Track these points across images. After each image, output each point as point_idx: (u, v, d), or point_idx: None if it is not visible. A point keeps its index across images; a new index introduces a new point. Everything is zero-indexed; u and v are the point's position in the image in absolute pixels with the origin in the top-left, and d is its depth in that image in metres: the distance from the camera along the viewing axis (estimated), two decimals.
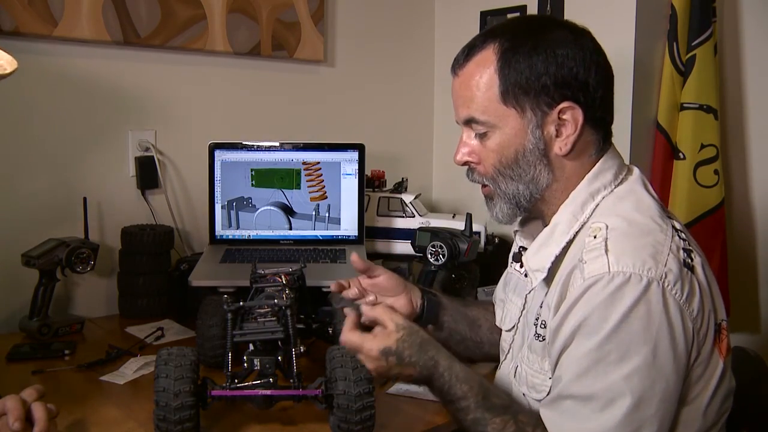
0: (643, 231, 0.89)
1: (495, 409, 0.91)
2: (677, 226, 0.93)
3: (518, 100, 0.93)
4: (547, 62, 0.91)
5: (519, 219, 1.07)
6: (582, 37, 0.95)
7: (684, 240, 0.91)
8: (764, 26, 1.92)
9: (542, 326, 0.96)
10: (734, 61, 1.96)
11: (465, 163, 1.01)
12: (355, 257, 1.13)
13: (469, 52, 0.97)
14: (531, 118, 0.93)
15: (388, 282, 1.15)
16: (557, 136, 0.94)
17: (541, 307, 0.98)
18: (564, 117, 0.93)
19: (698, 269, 0.89)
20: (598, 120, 0.96)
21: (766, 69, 1.92)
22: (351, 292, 1.11)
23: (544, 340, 0.94)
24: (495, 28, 0.98)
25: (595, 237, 0.89)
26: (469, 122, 0.98)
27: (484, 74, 0.94)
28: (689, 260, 0.88)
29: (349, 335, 0.96)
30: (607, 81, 0.96)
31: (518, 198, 0.98)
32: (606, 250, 0.86)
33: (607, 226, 0.89)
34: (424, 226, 1.74)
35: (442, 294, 1.24)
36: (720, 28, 1.93)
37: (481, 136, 0.97)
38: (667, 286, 0.83)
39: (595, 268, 0.85)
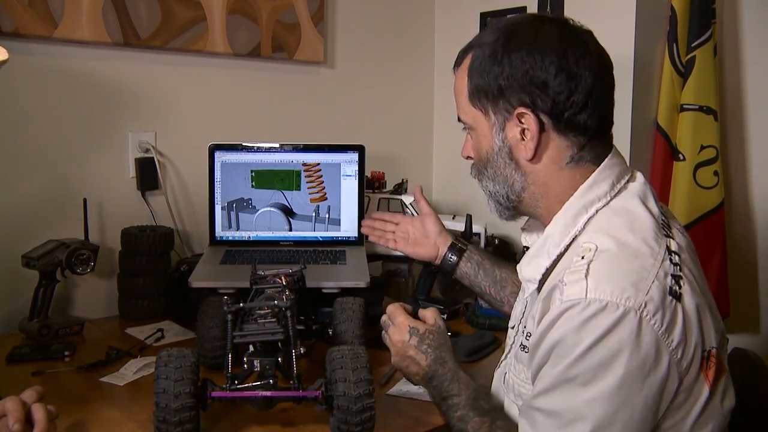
0: (631, 255, 0.86)
1: (479, 410, 0.98)
2: (672, 247, 0.89)
3: (481, 102, 0.97)
4: (501, 66, 0.93)
5: (526, 219, 1.09)
6: (546, 41, 0.91)
7: (676, 265, 0.87)
8: (764, 27, 1.92)
9: (527, 337, 0.96)
10: (734, 62, 1.96)
11: (468, 158, 1.07)
12: (418, 193, 1.47)
13: (457, 59, 1.03)
14: (494, 120, 0.97)
15: (432, 226, 1.40)
16: (522, 140, 0.95)
17: (527, 318, 0.99)
18: (523, 121, 0.93)
19: (686, 297, 0.85)
20: (571, 125, 0.92)
21: (766, 70, 1.92)
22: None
23: (528, 351, 0.94)
24: (476, 37, 1.01)
25: (582, 257, 0.87)
26: (460, 121, 1.05)
27: (462, 79, 1.00)
28: (676, 288, 0.85)
29: (395, 306, 1.15)
30: (575, 84, 0.90)
31: (497, 197, 1.02)
32: (586, 275, 0.84)
33: (596, 247, 0.87)
34: None
35: (476, 250, 1.38)
36: (720, 29, 1.93)
37: (470, 135, 1.04)
38: (646, 315, 0.81)
39: (573, 292, 0.83)
